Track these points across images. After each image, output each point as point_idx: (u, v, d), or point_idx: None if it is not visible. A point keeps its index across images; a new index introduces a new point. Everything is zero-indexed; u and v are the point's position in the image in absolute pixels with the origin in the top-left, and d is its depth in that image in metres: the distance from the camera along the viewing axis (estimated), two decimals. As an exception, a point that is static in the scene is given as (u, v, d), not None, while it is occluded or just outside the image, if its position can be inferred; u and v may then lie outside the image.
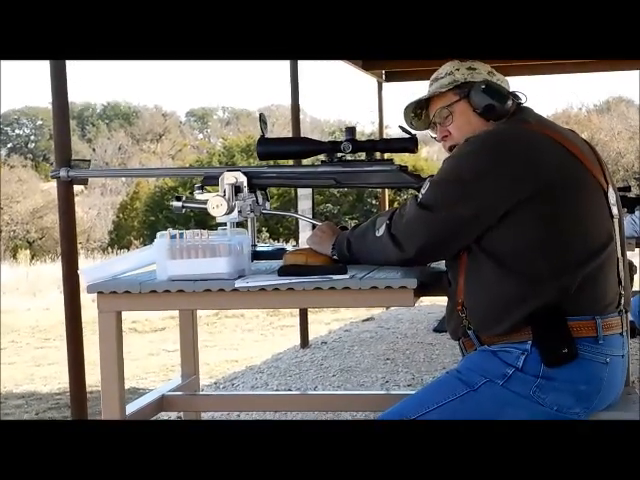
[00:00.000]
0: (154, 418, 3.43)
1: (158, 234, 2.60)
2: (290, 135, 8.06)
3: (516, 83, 2.61)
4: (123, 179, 32.39)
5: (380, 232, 2.43)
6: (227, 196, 2.75)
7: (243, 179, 2.82)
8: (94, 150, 39.96)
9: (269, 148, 2.91)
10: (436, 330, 7.75)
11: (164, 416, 4.40)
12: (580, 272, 2.29)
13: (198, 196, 2.85)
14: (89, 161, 3.67)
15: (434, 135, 2.65)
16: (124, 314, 2.69)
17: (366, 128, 29.81)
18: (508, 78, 2.61)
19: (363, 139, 2.89)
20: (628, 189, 6.59)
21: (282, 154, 2.98)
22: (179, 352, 3.68)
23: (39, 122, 49.49)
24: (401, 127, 2.76)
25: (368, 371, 6.21)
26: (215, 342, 8.44)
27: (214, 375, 6.53)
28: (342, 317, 9.42)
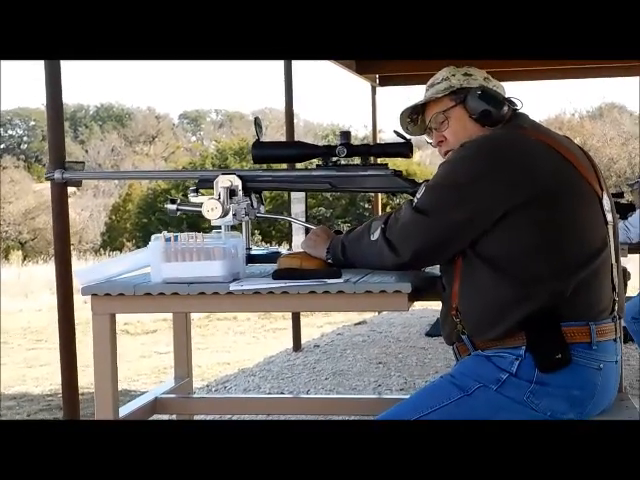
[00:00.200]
0: (147, 421, 3.43)
1: (153, 237, 2.60)
2: (284, 138, 8.07)
3: (509, 88, 2.61)
4: (116, 181, 32.37)
5: (375, 236, 2.43)
6: (222, 199, 2.75)
7: (238, 182, 2.82)
8: (87, 152, 39.94)
9: (264, 152, 2.91)
10: (428, 334, 7.76)
11: (157, 419, 4.39)
12: (575, 277, 2.30)
13: (193, 199, 2.85)
14: (83, 163, 3.66)
15: (430, 140, 2.65)
16: (116, 316, 2.68)
17: (359, 132, 29.85)
18: (501, 84, 2.62)
19: (357, 143, 2.89)
20: (621, 195, 6.61)
21: (277, 158, 2.99)
22: (171, 354, 3.68)
23: (32, 123, 49.44)
24: (396, 132, 2.77)
25: (360, 375, 6.22)
26: (207, 344, 8.44)
27: (206, 378, 6.53)
28: (334, 321, 9.42)
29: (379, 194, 9.56)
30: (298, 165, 3.66)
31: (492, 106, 2.47)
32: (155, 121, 47.78)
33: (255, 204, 2.89)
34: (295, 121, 7.52)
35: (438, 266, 2.53)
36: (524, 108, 2.56)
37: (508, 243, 2.30)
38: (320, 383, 6.03)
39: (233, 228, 2.85)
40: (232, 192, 2.80)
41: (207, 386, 6.18)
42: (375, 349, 7.24)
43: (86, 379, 5.02)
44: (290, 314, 7.51)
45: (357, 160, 2.89)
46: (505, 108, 2.49)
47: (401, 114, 2.67)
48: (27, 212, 30.14)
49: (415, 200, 2.39)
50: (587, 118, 31.55)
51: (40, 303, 12.71)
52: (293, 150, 2.97)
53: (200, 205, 2.75)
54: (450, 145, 2.53)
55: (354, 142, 2.88)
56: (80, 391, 4.16)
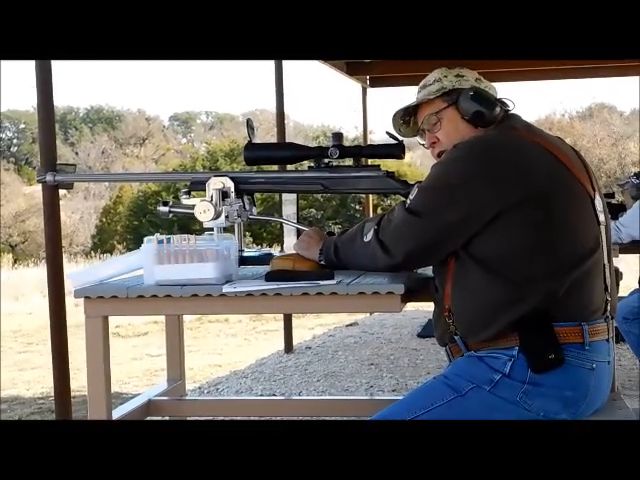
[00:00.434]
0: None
1: (145, 239, 2.60)
2: (274, 140, 8.07)
3: (499, 89, 2.62)
4: (106, 183, 32.31)
5: (368, 237, 2.43)
6: (214, 201, 2.75)
7: (230, 184, 2.82)
8: (77, 154, 39.87)
9: (256, 153, 2.91)
10: (420, 335, 7.76)
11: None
12: (568, 277, 2.30)
13: (185, 201, 2.84)
14: (74, 165, 3.66)
15: (422, 142, 2.66)
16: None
17: (350, 133, 29.85)
18: (492, 84, 2.62)
19: (347, 144, 2.89)
20: (612, 196, 6.62)
21: (270, 159, 2.99)
22: (162, 357, 3.68)
23: (22, 126, 49.33)
24: (388, 133, 2.77)
25: (352, 376, 6.22)
26: (199, 347, 8.43)
27: (198, 380, 6.53)
28: (326, 322, 9.42)
29: (370, 195, 9.57)
30: (289, 167, 3.66)
31: (484, 107, 2.48)
32: (145, 123, 47.70)
33: (247, 206, 2.89)
34: (285, 122, 7.51)
35: (431, 267, 2.53)
36: (515, 109, 2.57)
37: (501, 244, 2.30)
38: (312, 385, 6.03)
39: (225, 230, 2.85)
40: (224, 194, 2.80)
41: (199, 388, 6.17)
42: (367, 350, 7.25)
43: (77, 382, 5.02)
44: (281, 316, 7.51)
45: (349, 161, 2.89)
46: (497, 109, 2.50)
47: (393, 116, 2.67)
48: (17, 215, 30.07)
49: (408, 201, 2.39)
50: (577, 118, 31.62)
51: (31, 306, 12.68)
52: (285, 152, 2.98)
53: (192, 207, 2.75)
54: (443, 146, 2.53)
55: (345, 143, 2.88)
56: (72, 394, 4.15)
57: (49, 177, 3.11)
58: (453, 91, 2.54)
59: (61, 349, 3.98)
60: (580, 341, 2.31)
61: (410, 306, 7.83)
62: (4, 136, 50.28)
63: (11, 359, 8.25)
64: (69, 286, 2.74)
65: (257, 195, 2.97)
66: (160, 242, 2.53)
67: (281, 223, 3.13)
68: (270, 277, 2.51)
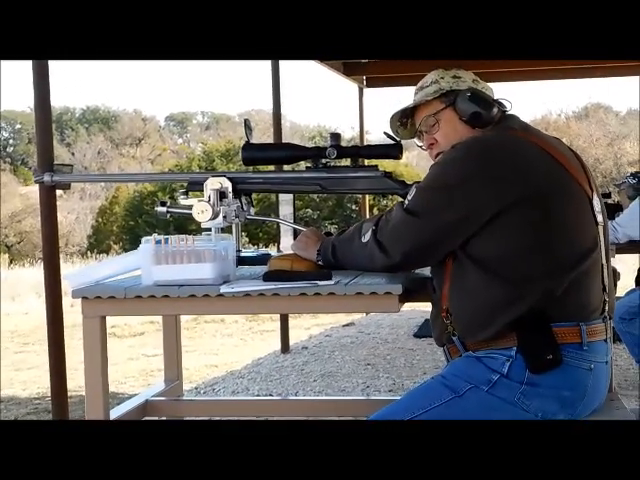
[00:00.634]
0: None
1: (143, 239, 2.59)
2: (271, 140, 8.07)
3: (495, 90, 2.62)
4: (102, 183, 32.31)
5: (366, 238, 2.43)
6: (212, 202, 2.75)
7: (228, 184, 2.82)
8: (73, 154, 39.84)
9: (254, 154, 2.91)
10: (417, 335, 7.77)
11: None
12: (566, 277, 2.30)
13: (183, 201, 2.84)
14: (71, 166, 3.65)
15: (420, 143, 2.66)
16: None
17: (346, 133, 29.83)
18: (489, 85, 2.62)
19: (344, 145, 2.89)
20: (608, 196, 6.64)
21: (267, 160, 2.99)
22: (158, 357, 3.69)
23: (18, 126, 49.29)
24: (386, 133, 2.77)
25: (349, 376, 6.22)
26: (195, 347, 8.42)
27: (194, 380, 6.52)
28: (322, 322, 9.42)
29: (366, 196, 9.57)
30: (285, 167, 3.66)
31: (482, 108, 2.48)
32: (141, 123, 47.67)
33: (245, 206, 2.89)
34: (282, 122, 7.51)
35: (429, 268, 2.53)
36: (512, 109, 2.57)
37: (499, 244, 2.30)
38: (309, 385, 6.04)
39: (222, 230, 2.85)
40: (222, 194, 2.80)
41: (196, 388, 6.17)
42: (363, 350, 7.25)
43: (74, 382, 5.01)
44: (278, 316, 7.51)
45: (344, 162, 2.89)
46: (495, 110, 2.50)
47: (391, 118, 2.67)
48: (13, 215, 30.04)
49: (406, 202, 2.39)
50: (573, 118, 31.66)
51: (27, 306, 12.67)
52: (283, 152, 2.98)
53: (190, 208, 2.76)
54: (441, 147, 2.53)
55: (341, 144, 2.88)
56: (68, 394, 4.15)
57: (47, 177, 3.11)
58: (450, 92, 2.54)
59: (58, 349, 3.98)
60: (578, 341, 2.31)
61: (406, 306, 7.75)
62: (0, 136, 50.23)
63: (7, 359, 8.23)
64: (66, 286, 2.74)
65: (253, 195, 2.97)
66: (158, 242, 2.53)
67: (278, 223, 3.13)
68: (268, 277, 2.51)
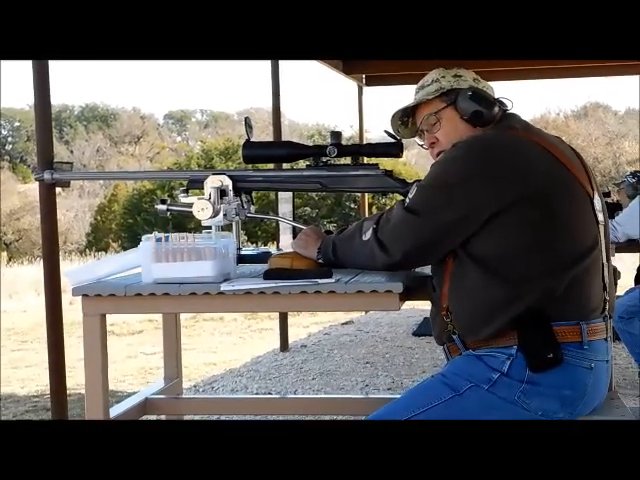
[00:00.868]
0: (136, 421, 3.42)
1: (143, 237, 2.59)
2: (270, 138, 8.07)
3: (495, 89, 2.62)
4: (101, 181, 32.31)
5: (367, 236, 2.43)
6: (212, 199, 2.75)
7: (228, 182, 2.82)
8: (72, 152, 39.83)
9: (255, 152, 2.91)
10: (416, 334, 7.78)
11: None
12: (566, 276, 2.30)
13: (183, 199, 2.84)
14: (71, 164, 3.66)
15: (421, 142, 2.66)
16: (104, 317, 2.68)
17: (345, 132, 29.85)
18: (490, 84, 2.63)
19: (344, 143, 2.89)
20: (607, 195, 6.65)
21: (268, 158, 2.98)
22: (157, 355, 3.69)
23: (16, 124, 49.27)
24: (386, 131, 2.77)
25: (348, 375, 6.22)
26: (194, 345, 8.42)
27: (193, 378, 6.52)
28: (321, 320, 9.43)
29: (366, 194, 9.57)
30: (285, 165, 3.65)
31: (483, 107, 2.48)
32: (140, 121, 47.68)
33: (245, 204, 2.89)
34: (281, 121, 7.51)
35: (429, 266, 2.53)
36: (513, 108, 2.57)
37: (499, 243, 2.30)
38: (307, 383, 6.04)
39: (222, 228, 2.85)
40: (222, 192, 2.80)
41: (194, 387, 6.17)
42: (362, 349, 7.25)
43: (73, 380, 5.01)
44: (276, 314, 7.51)
45: (344, 160, 2.89)
46: (496, 109, 2.50)
47: (392, 117, 2.67)
48: (12, 213, 30.03)
49: (407, 200, 2.39)
50: (572, 118, 31.69)
51: (25, 304, 12.67)
52: (284, 150, 2.97)
53: (190, 205, 2.75)
54: (442, 146, 2.53)
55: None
56: (67, 392, 4.15)
57: (47, 175, 3.11)
58: (451, 91, 2.54)
59: (57, 346, 3.98)
60: (579, 340, 2.31)
61: (406, 305, 7.75)
62: (-1, 134, 50.24)
63: (5, 357, 8.23)
64: (65, 284, 2.74)
65: (252, 193, 2.97)
66: (158, 240, 2.53)
67: (277, 221, 3.13)
68: (268, 275, 2.51)
